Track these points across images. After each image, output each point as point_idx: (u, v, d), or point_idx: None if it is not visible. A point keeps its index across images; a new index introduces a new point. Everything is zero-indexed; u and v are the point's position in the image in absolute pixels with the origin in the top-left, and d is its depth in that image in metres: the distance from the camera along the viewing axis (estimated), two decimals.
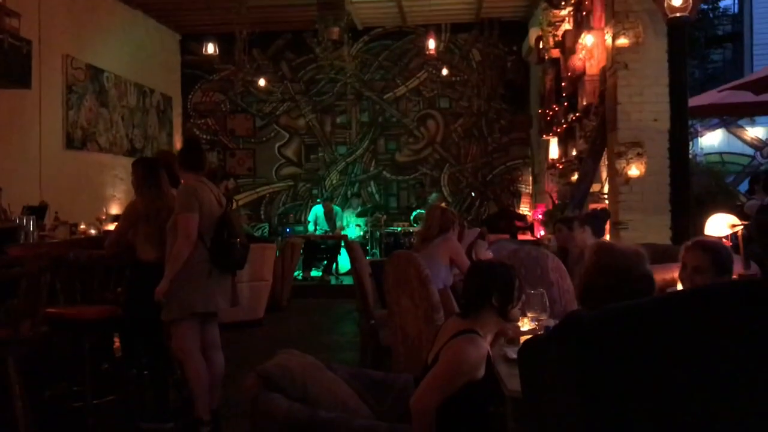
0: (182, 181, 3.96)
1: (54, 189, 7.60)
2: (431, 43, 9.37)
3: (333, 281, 9.83)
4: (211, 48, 9.44)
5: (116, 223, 4.63)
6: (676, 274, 3.02)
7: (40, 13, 7.63)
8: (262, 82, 11.15)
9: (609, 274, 2.19)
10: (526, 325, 2.94)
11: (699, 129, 13.14)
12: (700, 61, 15.47)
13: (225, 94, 11.92)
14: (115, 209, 8.44)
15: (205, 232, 3.73)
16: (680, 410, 1.06)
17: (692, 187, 6.09)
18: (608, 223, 5.50)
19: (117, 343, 4.74)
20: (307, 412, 2.26)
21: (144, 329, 4.25)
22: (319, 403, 2.47)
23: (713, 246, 2.88)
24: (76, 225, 6.53)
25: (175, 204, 3.77)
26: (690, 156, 6.40)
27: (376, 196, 11.72)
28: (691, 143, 9.39)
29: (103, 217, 5.79)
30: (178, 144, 11.64)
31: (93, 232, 5.40)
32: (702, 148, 13.58)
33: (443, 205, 5.88)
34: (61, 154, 8.18)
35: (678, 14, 4.92)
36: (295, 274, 9.27)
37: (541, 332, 2.81)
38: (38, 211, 6.08)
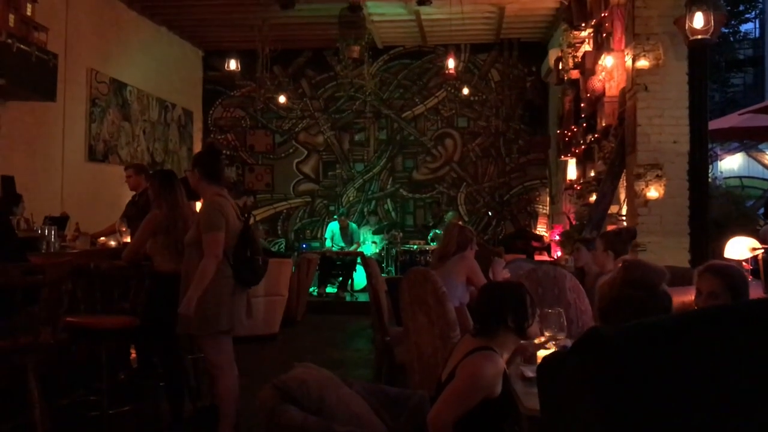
0: (202, 194, 3.95)
1: (75, 200, 7.69)
2: (450, 63, 9.42)
3: (348, 298, 9.83)
4: (233, 64, 9.56)
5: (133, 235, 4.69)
6: (692, 297, 3.00)
7: (66, 27, 7.77)
8: (282, 99, 11.25)
9: (637, 288, 2.20)
10: (542, 344, 2.92)
11: (719, 152, 13.07)
12: (720, 84, 15.42)
13: (245, 110, 12.04)
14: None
15: (229, 249, 3.73)
16: (700, 427, 1.06)
17: (711, 211, 6.05)
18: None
19: (134, 353, 4.78)
20: (322, 425, 2.26)
21: (160, 340, 4.28)
22: (335, 417, 2.48)
23: (725, 270, 2.83)
24: (96, 236, 6.60)
25: (201, 220, 3.75)
26: (709, 179, 6.37)
27: (393, 214, 11.74)
28: (710, 166, 9.34)
29: (123, 229, 5.85)
30: None
31: (113, 243, 5.45)
32: (722, 172, 13.50)
33: (457, 223, 5.88)
34: (83, 166, 8.29)
35: (699, 36, 4.92)
36: (311, 289, 9.29)
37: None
38: (59, 222, 6.15)
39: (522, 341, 2.79)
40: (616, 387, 1.12)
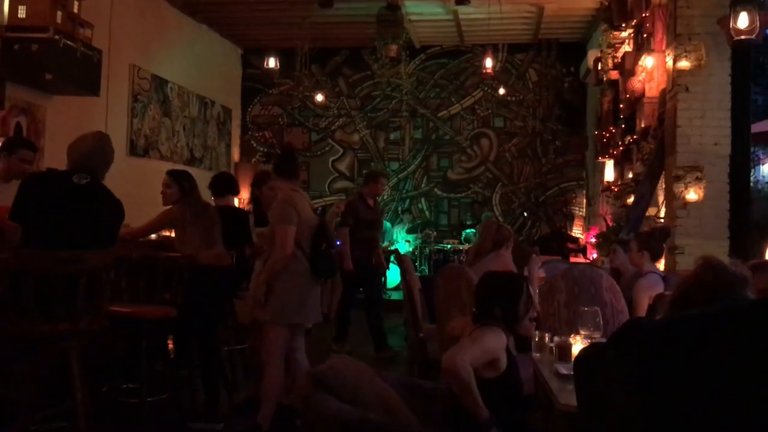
0: (278, 190, 4.08)
1: (116, 193, 7.81)
2: (488, 63, 9.39)
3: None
4: (272, 62, 9.66)
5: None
6: None
7: (111, 24, 7.94)
8: (319, 97, 11.33)
9: (708, 291, 2.10)
10: (578, 343, 2.92)
11: (761, 156, 12.80)
12: (764, 87, 15.09)
13: (283, 108, 12.15)
14: None
15: (304, 242, 3.84)
16: (741, 416, 1.06)
17: (752, 214, 5.94)
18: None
19: (171, 343, 4.88)
20: (358, 415, 2.30)
21: (197, 331, 4.37)
22: (369, 408, 2.51)
23: None
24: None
25: (274, 214, 3.89)
26: (750, 182, 6.25)
27: (427, 213, 11.74)
28: (752, 170, 9.16)
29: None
30: (236, 155, 11.90)
31: (153, 236, 5.56)
32: (764, 176, 13.21)
33: (494, 221, 5.88)
34: (125, 161, 8.45)
35: (743, 37, 4.84)
36: None
37: None
38: None
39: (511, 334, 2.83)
40: (657, 377, 1.13)
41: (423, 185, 11.83)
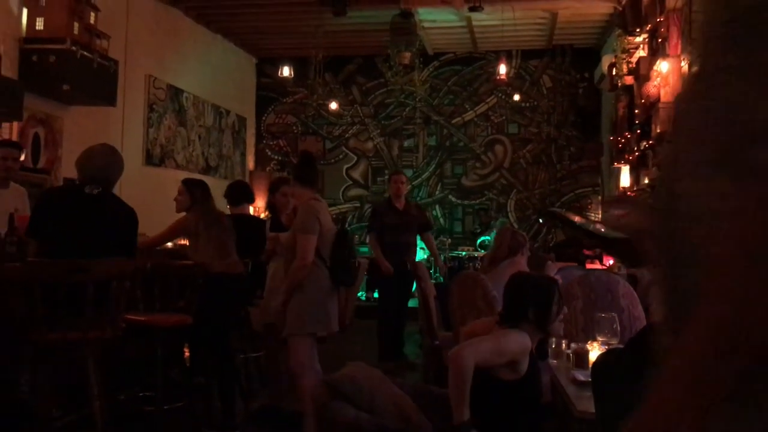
0: (298, 198, 4.08)
1: (132, 203, 7.84)
2: (502, 69, 9.38)
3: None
4: (286, 71, 9.71)
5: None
6: None
7: (127, 35, 8.01)
8: (333, 106, 11.37)
9: None
10: (595, 349, 2.90)
11: None
12: None
13: (297, 117, 12.20)
14: None
15: (325, 250, 3.84)
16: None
17: None
18: None
19: (187, 352, 4.89)
20: (374, 422, 2.29)
21: (212, 339, 4.39)
22: (385, 415, 2.51)
23: None
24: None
25: (296, 223, 3.90)
26: None
27: (441, 220, 11.72)
28: None
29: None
30: (250, 164, 11.96)
31: (169, 244, 5.59)
32: None
33: (510, 228, 5.85)
34: (141, 170, 8.52)
35: None
36: (359, 294, 9.34)
37: None
38: None
39: (543, 336, 2.81)
40: None
41: (437, 192, 11.82)
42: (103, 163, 3.82)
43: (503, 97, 11.48)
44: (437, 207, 11.79)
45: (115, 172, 3.88)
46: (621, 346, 2.84)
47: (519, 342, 2.62)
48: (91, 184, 3.72)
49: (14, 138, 6.49)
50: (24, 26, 6.64)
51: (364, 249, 11.12)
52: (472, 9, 8.72)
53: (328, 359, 5.08)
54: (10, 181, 4.86)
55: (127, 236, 3.88)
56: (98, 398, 3.41)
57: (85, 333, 3.46)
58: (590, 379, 2.02)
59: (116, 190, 8.08)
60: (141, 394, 4.44)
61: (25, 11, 6.63)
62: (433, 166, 11.84)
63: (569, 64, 11.35)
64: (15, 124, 6.42)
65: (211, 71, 10.44)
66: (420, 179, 11.85)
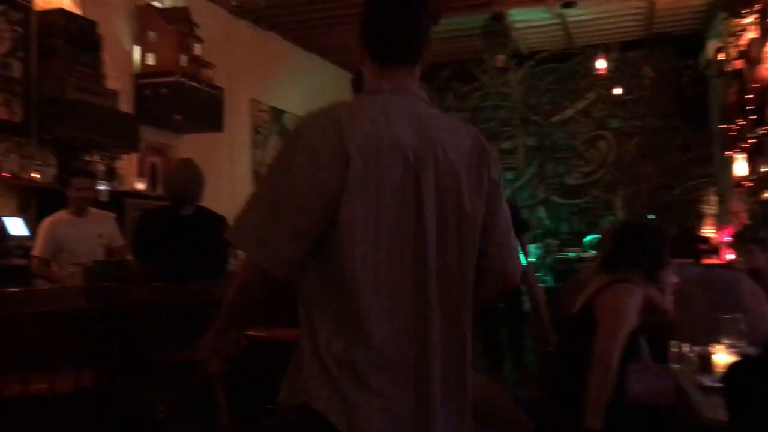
0: None
1: None
2: (599, 63, 9.15)
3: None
4: None
5: None
6: None
7: (230, 62, 8.38)
8: None
9: None
10: (721, 353, 2.78)
11: None
12: None
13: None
14: None
15: None
16: None
17: None
18: None
19: None
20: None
21: None
22: (495, 425, 2.52)
23: None
24: None
25: None
26: None
27: (547, 222, 11.51)
28: None
29: None
30: None
31: None
32: None
33: None
34: (250, 191, 8.86)
35: None
36: None
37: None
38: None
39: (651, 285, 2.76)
40: None
41: (540, 193, 11.62)
42: (183, 181, 4.05)
43: (603, 91, 11.16)
44: (541, 208, 11.58)
45: (198, 187, 4.09)
46: (750, 348, 2.72)
47: (634, 304, 2.58)
48: (184, 204, 3.95)
49: (133, 168, 6.94)
50: (137, 63, 7.10)
51: None
52: (565, 5, 8.56)
53: None
54: (88, 209, 5.08)
55: (225, 251, 4.07)
56: (225, 414, 3.58)
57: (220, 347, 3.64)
58: (718, 385, 1.96)
59: (227, 211, 8.45)
60: (267, 407, 4.60)
61: (136, 48, 7.08)
62: (535, 166, 11.66)
63: (671, 52, 10.90)
64: (134, 155, 6.86)
65: (310, 90, 10.73)
66: (521, 181, 11.69)
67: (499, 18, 8.72)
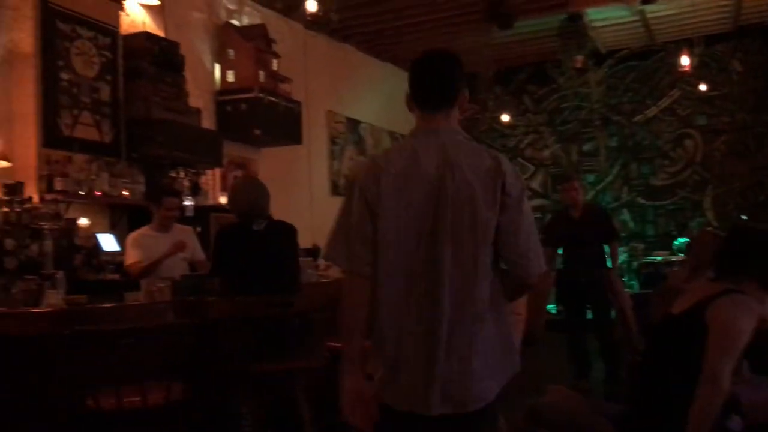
0: None
1: (322, 232, 8.30)
2: (684, 60, 8.81)
3: (588, 315, 9.47)
4: None
5: None
6: None
7: (306, 76, 8.52)
8: (505, 118, 11.27)
9: None
10: None
11: None
12: None
13: (469, 132, 12.19)
14: None
15: None
16: None
17: None
18: None
19: None
20: None
21: None
22: None
23: None
24: None
25: None
26: None
27: (631, 225, 11.15)
28: None
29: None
30: None
31: None
32: None
33: (711, 230, 5.44)
34: (327, 200, 8.98)
35: None
36: (549, 307, 9.12)
37: None
38: (312, 253, 6.71)
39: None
40: None
41: (624, 195, 11.27)
42: (249, 196, 4.13)
43: (687, 88, 10.73)
44: (625, 211, 11.22)
45: (261, 202, 4.16)
46: None
47: (747, 315, 2.40)
48: (256, 220, 4.03)
49: (216, 182, 7.14)
50: (217, 80, 7.31)
51: None
52: (645, 2, 8.29)
53: (521, 376, 4.98)
54: (172, 226, 5.26)
55: (295, 261, 4.19)
56: (308, 426, 3.62)
57: (291, 364, 3.70)
58: None
59: (307, 221, 8.58)
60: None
61: (217, 67, 7.29)
62: (617, 168, 11.32)
63: (761, 43, 10.38)
64: (217, 170, 7.05)
65: (384, 99, 10.78)
66: (603, 183, 11.37)
67: (576, 18, 8.53)
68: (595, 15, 9.26)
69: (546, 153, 11.79)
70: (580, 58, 8.51)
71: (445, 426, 1.98)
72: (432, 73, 2.21)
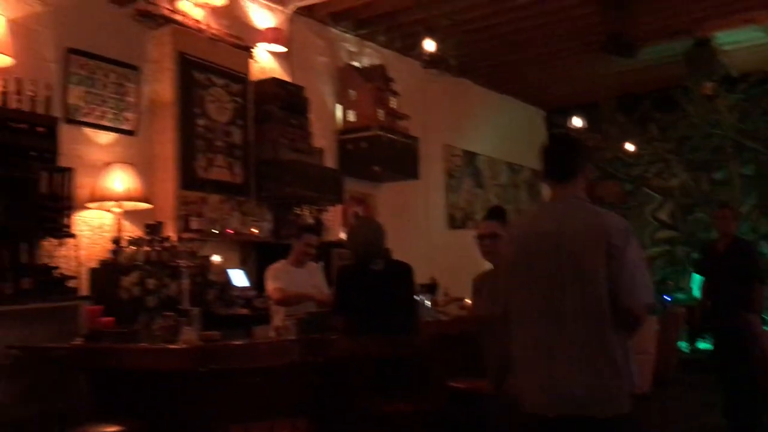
0: None
1: (440, 266, 8.35)
2: None
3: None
4: (575, 121, 9.62)
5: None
6: None
7: (424, 112, 8.64)
8: (629, 146, 10.90)
9: None
10: None
11: None
12: None
13: (591, 162, 11.89)
14: None
15: None
16: None
17: None
18: None
19: None
20: None
21: None
22: None
23: None
24: (461, 299, 7.07)
25: None
26: None
27: None
28: None
29: None
30: None
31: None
32: None
33: None
34: (444, 234, 9.02)
35: None
36: (680, 345, 8.64)
37: None
38: (431, 288, 6.74)
39: None
40: None
41: (763, 227, 10.53)
42: (363, 242, 4.21)
43: None
44: (764, 243, 10.49)
45: (378, 242, 4.23)
46: None
47: None
48: (373, 260, 4.11)
49: (338, 218, 7.35)
50: (339, 120, 7.58)
51: (682, 296, 10.33)
52: None
53: (654, 417, 4.77)
54: (307, 262, 5.43)
55: (412, 301, 4.29)
56: None
57: (411, 404, 3.73)
58: None
59: (424, 256, 8.63)
60: None
61: (339, 107, 7.56)
62: (754, 198, 10.61)
63: None
64: (338, 207, 7.27)
65: (502, 131, 10.74)
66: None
67: (704, 43, 8.17)
68: (724, 39, 8.83)
69: (674, 182, 11.24)
70: (709, 84, 8.12)
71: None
72: (554, 155, 2.80)
